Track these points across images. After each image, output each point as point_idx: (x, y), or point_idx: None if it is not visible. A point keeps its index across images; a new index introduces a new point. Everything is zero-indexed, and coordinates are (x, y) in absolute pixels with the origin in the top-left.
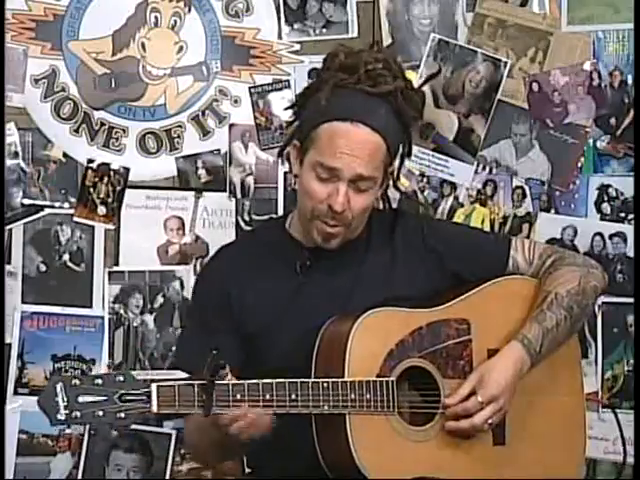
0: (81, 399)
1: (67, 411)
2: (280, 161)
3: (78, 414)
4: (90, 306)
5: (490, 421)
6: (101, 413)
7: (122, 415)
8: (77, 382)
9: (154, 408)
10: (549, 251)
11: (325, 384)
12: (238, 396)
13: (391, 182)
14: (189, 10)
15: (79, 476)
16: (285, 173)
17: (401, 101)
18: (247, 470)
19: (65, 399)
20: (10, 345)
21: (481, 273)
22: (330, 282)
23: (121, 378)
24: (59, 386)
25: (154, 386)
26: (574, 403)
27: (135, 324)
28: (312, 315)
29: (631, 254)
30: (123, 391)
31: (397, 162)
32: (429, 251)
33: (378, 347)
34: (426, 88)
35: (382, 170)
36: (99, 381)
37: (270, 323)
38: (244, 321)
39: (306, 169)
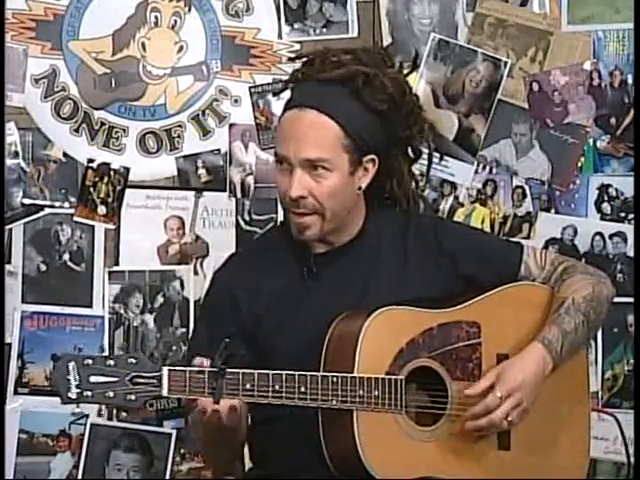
0: (93, 379)
1: (78, 390)
2: None
3: (89, 394)
4: (90, 306)
5: (510, 418)
6: (112, 394)
7: (132, 397)
8: (89, 362)
9: (164, 392)
10: (560, 259)
11: (334, 379)
12: (248, 385)
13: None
14: (189, 10)
15: (79, 476)
16: None
17: (361, 85)
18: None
19: (77, 378)
20: (10, 345)
21: (494, 277)
22: (340, 286)
23: (133, 360)
24: (71, 365)
25: (165, 370)
26: (580, 410)
27: (135, 324)
28: (322, 319)
29: (631, 254)
30: (134, 373)
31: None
32: (443, 253)
33: (389, 345)
34: (427, 87)
35: (344, 155)
36: (111, 362)
37: (280, 328)
38: (253, 326)
39: (275, 165)
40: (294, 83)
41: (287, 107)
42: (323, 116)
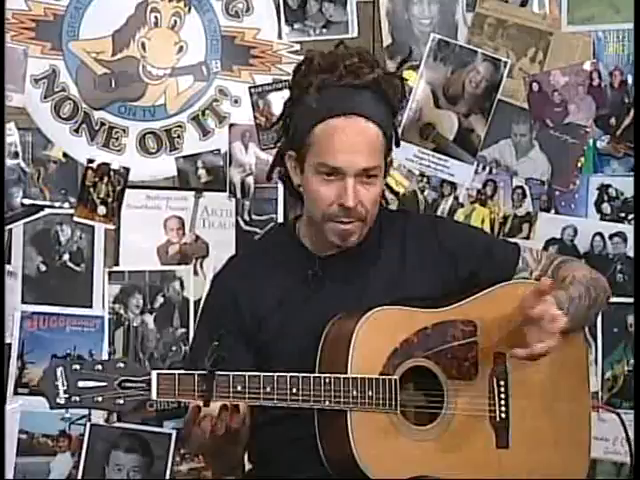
0: (81, 384)
1: (67, 395)
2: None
3: (77, 399)
4: (90, 306)
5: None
6: (100, 399)
7: (121, 401)
8: (77, 367)
9: (153, 395)
10: (556, 255)
11: (327, 379)
12: (239, 387)
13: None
14: (189, 10)
15: (79, 476)
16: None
17: (386, 87)
18: (247, 466)
19: (65, 383)
20: (10, 345)
21: (493, 274)
22: (341, 289)
23: (121, 365)
24: (59, 370)
25: (154, 374)
26: (580, 409)
27: (135, 324)
28: (323, 322)
29: (631, 254)
30: (123, 378)
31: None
32: (443, 252)
33: (383, 345)
34: (427, 88)
35: (383, 158)
36: (99, 367)
37: (281, 330)
38: (255, 329)
39: (308, 174)
40: (322, 89)
41: (328, 116)
42: (369, 122)
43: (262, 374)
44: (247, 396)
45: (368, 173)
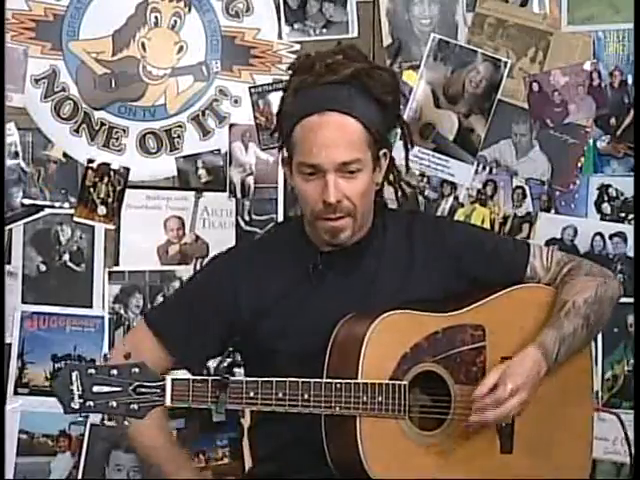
0: (96, 389)
1: (81, 400)
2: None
3: (92, 404)
4: (90, 306)
5: (515, 412)
6: (114, 404)
7: (135, 407)
8: (93, 371)
9: (167, 401)
10: (566, 259)
11: (338, 385)
12: (251, 393)
13: (394, 174)
14: (189, 10)
15: (79, 476)
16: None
17: (367, 80)
18: (248, 466)
19: (80, 388)
20: (10, 345)
21: (500, 278)
22: (344, 285)
23: (136, 370)
24: (75, 374)
25: (169, 379)
26: (583, 415)
27: (135, 324)
28: (326, 319)
29: (631, 254)
30: (138, 383)
31: (402, 154)
32: (449, 254)
33: (393, 350)
34: (427, 88)
35: (368, 152)
36: (114, 372)
37: (283, 328)
38: (252, 323)
39: (294, 174)
40: (299, 90)
41: (303, 115)
42: (346, 117)
43: (274, 380)
44: (259, 402)
45: (349, 167)
